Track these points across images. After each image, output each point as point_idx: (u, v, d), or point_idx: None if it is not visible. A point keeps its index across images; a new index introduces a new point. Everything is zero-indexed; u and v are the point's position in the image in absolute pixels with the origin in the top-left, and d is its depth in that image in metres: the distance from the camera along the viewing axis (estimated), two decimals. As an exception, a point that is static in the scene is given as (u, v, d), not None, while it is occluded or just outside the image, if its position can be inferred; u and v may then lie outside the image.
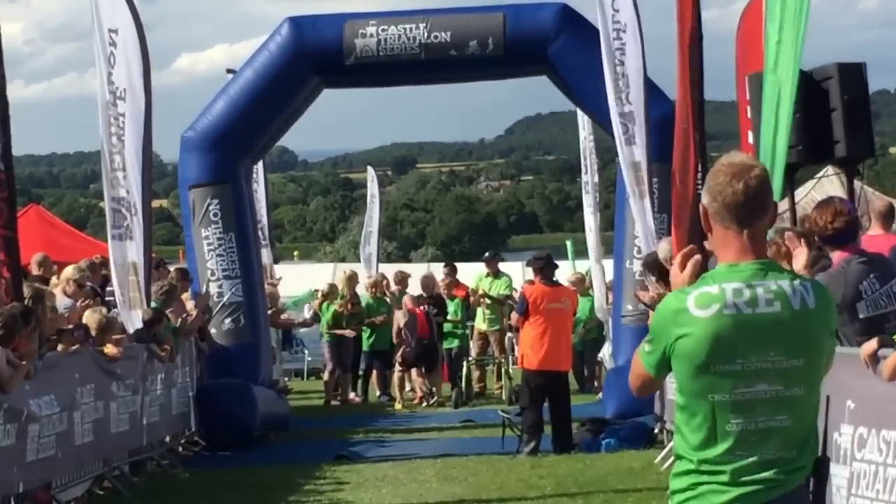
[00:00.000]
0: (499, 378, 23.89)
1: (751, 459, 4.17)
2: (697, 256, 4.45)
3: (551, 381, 15.32)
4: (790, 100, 8.84)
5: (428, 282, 23.92)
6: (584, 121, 22.88)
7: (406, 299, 23.24)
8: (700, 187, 10.92)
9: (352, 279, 23.86)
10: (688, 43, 10.99)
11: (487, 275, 23.89)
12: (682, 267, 4.45)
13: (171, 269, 19.24)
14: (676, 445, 4.33)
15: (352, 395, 23.87)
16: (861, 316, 7.76)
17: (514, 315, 16.42)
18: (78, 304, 13.86)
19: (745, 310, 4.20)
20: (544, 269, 15.62)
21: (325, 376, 23.72)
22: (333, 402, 23.33)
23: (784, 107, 8.78)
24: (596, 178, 23.53)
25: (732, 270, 4.28)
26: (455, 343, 23.81)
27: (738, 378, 4.18)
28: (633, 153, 15.72)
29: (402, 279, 25.06)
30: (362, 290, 24.33)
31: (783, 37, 9.06)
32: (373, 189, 34.44)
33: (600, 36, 15.93)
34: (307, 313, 27.17)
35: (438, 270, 26.82)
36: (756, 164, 4.35)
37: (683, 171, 11.15)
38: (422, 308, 22.53)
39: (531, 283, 16.71)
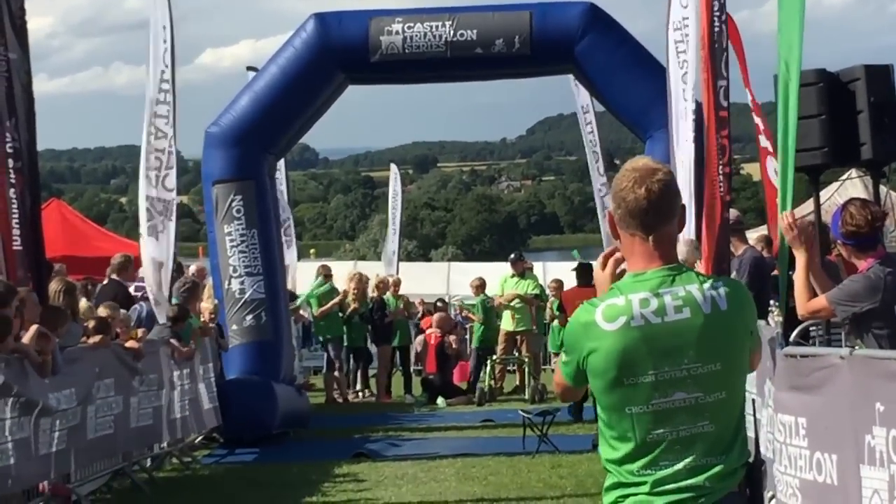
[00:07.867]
0: (522, 378, 23.85)
1: (676, 468, 4.06)
2: (619, 254, 4.31)
3: None
4: (795, 101, 8.71)
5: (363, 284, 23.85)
6: (593, 123, 23.10)
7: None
8: (722, 191, 10.88)
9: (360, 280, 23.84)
10: (708, 47, 10.90)
11: (513, 276, 23.77)
12: (604, 266, 4.35)
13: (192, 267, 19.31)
14: (602, 458, 4.22)
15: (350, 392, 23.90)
16: None
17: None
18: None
19: (654, 320, 4.08)
20: (580, 273, 18.59)
21: (337, 374, 23.34)
22: (354, 399, 23.37)
23: (791, 108, 8.65)
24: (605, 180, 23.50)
25: (638, 280, 4.16)
26: (476, 342, 23.88)
27: (652, 389, 4.06)
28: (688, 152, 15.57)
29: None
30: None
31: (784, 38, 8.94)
32: (396, 186, 34.36)
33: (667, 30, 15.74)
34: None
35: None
36: (660, 167, 4.20)
37: (709, 177, 11.06)
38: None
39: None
